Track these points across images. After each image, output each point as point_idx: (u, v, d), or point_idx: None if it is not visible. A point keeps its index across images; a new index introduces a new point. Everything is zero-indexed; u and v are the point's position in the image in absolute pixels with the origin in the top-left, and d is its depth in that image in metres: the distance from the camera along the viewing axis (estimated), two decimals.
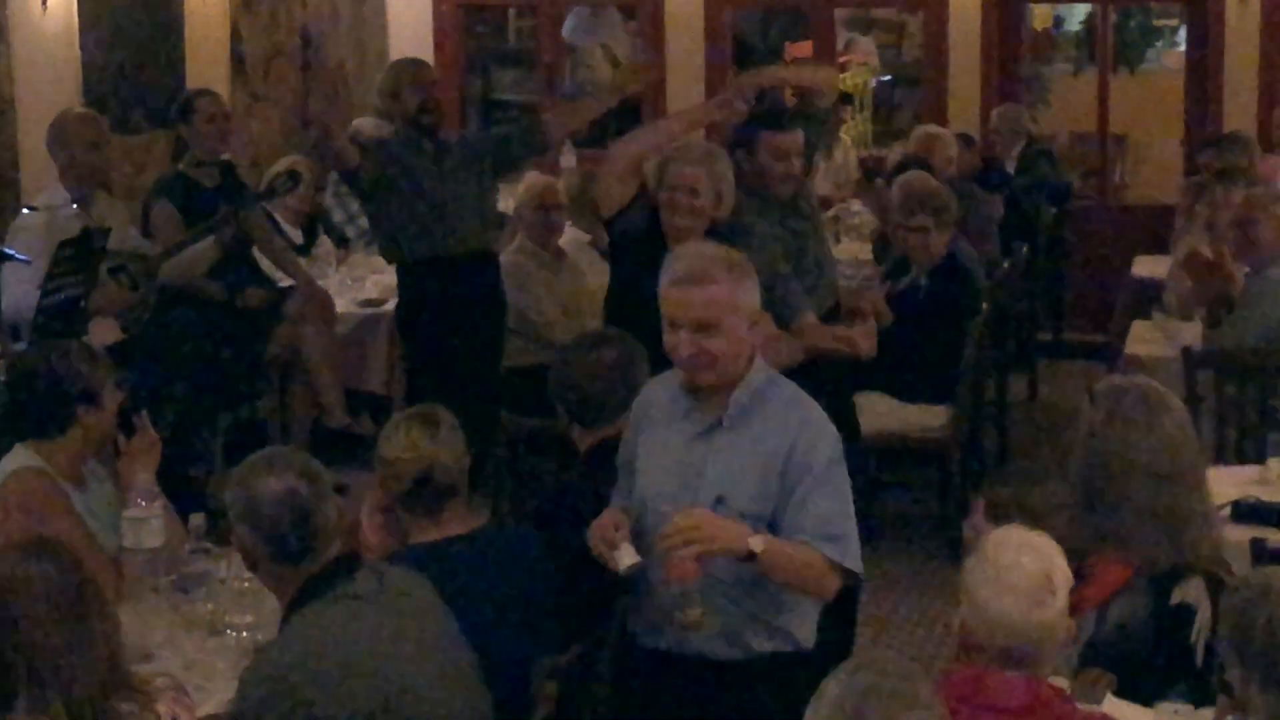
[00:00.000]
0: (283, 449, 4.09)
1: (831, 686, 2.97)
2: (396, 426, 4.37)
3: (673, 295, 4.05)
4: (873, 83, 13.68)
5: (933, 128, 10.04)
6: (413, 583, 3.95)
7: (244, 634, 4.35)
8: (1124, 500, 4.11)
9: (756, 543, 3.89)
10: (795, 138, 6.41)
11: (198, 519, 4.93)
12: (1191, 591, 4.05)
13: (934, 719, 2.95)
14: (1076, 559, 3.92)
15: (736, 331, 4.04)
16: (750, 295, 4.08)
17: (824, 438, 4.06)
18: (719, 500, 3.99)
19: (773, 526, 3.98)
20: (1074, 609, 3.63)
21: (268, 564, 3.87)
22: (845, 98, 11.33)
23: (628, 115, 10.92)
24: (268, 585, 3.99)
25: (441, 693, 3.86)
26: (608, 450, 4.73)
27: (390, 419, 4.49)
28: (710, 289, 4.01)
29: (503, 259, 7.69)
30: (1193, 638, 4.01)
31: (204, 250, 7.68)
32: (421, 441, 4.28)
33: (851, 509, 4.06)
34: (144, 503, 4.68)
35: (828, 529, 3.98)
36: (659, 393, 4.24)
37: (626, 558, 3.98)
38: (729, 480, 4.02)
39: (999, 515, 4.35)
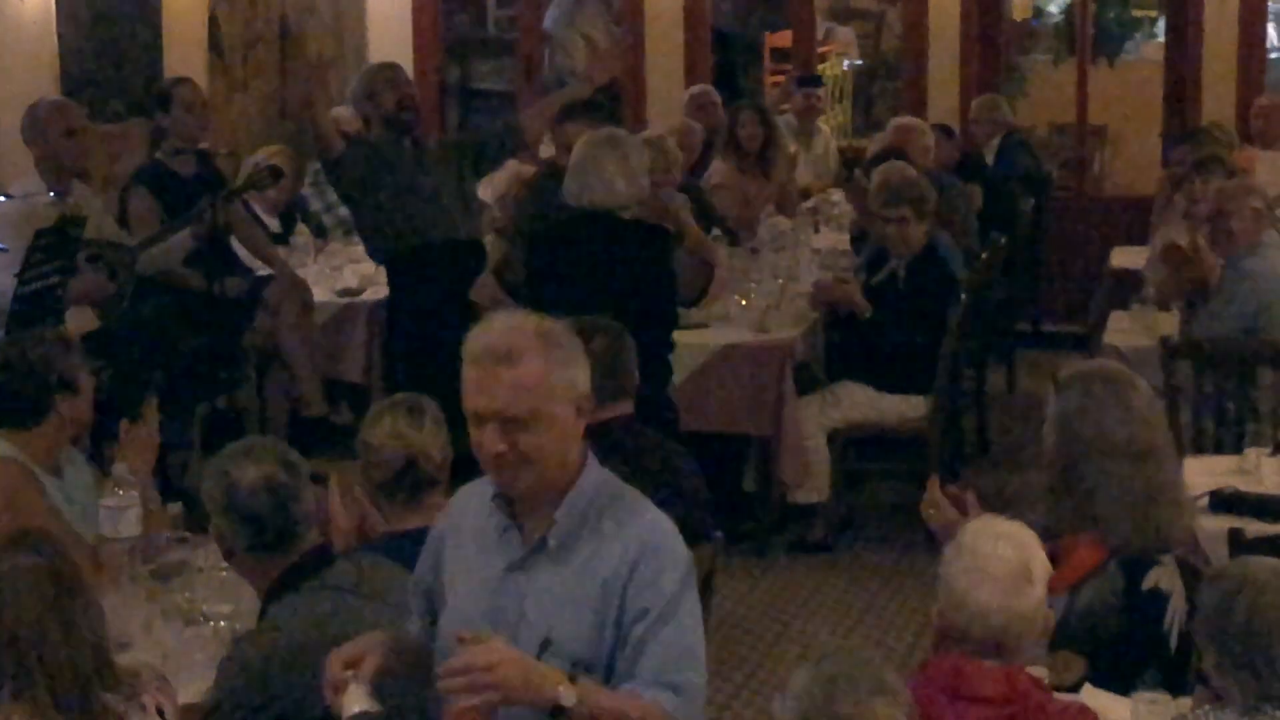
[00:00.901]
0: (261, 438, 4.09)
1: (798, 677, 2.99)
2: (381, 414, 4.36)
3: (473, 378, 3.25)
4: (844, 65, 13.69)
5: (909, 119, 10.03)
6: (390, 574, 3.94)
7: (221, 624, 4.33)
8: (1098, 483, 4.11)
9: (567, 694, 3.13)
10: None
11: (175, 508, 4.93)
12: (1165, 576, 4.05)
13: (901, 704, 2.96)
14: (1050, 539, 3.94)
15: (559, 424, 3.28)
16: (575, 374, 3.32)
17: (671, 560, 3.32)
18: (545, 645, 3.23)
19: (610, 669, 3.27)
20: (1047, 588, 3.63)
21: (245, 553, 3.86)
22: (811, 80, 11.30)
23: (609, 104, 10.93)
24: (244, 575, 3.98)
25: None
26: (592, 435, 4.73)
27: (375, 406, 4.48)
28: (521, 369, 3.24)
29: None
30: (1166, 624, 4.02)
31: (181, 240, 7.66)
32: (406, 430, 4.28)
33: (701, 648, 3.33)
34: (121, 491, 4.68)
35: (669, 675, 3.23)
36: (469, 503, 3.48)
37: (353, 703, 3.25)
38: (556, 620, 3.26)
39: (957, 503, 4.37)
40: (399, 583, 3.92)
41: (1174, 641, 4.02)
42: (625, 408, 4.87)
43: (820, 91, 11.49)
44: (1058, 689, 3.78)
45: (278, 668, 3.68)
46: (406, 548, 4.11)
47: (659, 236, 6.39)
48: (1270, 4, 11.68)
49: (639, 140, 6.74)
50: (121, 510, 4.64)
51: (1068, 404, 4.22)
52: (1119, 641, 4.00)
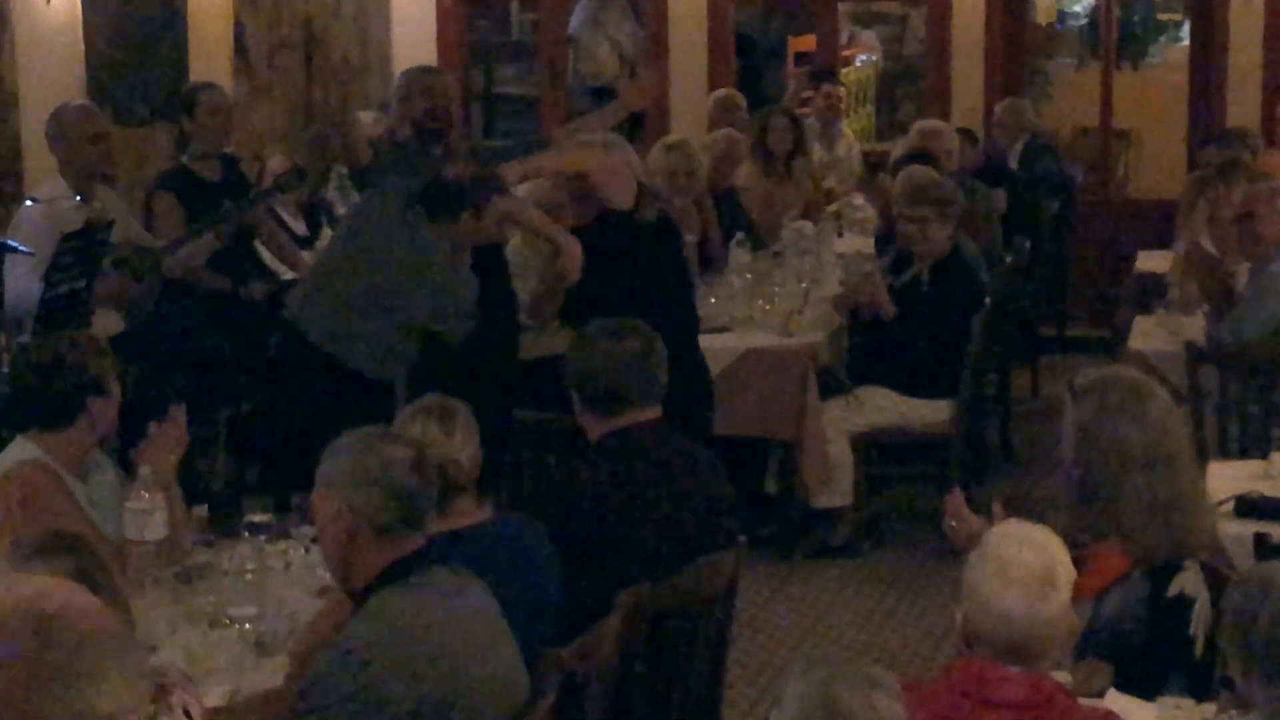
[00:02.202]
0: (385, 427, 4.09)
1: (791, 689, 2.99)
2: (413, 417, 4.37)
3: None
4: (858, 61, 13.66)
5: (934, 122, 10.04)
6: (483, 587, 3.97)
7: (246, 625, 4.34)
8: (1119, 492, 4.10)
9: None
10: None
11: (200, 512, 4.94)
12: (1190, 582, 4.04)
13: (897, 697, 2.97)
14: (1075, 548, 3.93)
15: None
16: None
17: None
18: None
19: None
20: (1072, 596, 3.63)
21: (380, 532, 3.81)
22: (825, 74, 11.30)
23: (632, 121, 10.98)
24: (353, 563, 3.88)
25: (499, 692, 3.88)
26: (619, 439, 4.76)
27: (408, 408, 4.49)
28: None
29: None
30: (1191, 629, 4.01)
31: (207, 243, 7.69)
32: (437, 437, 4.29)
33: None
34: (146, 494, 4.69)
35: None
36: None
37: None
38: None
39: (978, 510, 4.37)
40: (487, 596, 3.95)
41: (1199, 647, 4.01)
42: (653, 412, 4.86)
43: (840, 91, 11.47)
44: (1084, 695, 3.77)
45: (372, 656, 3.70)
46: (431, 553, 4.13)
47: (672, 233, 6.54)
48: None
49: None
50: (147, 513, 4.65)
51: (1084, 413, 4.21)
52: (1145, 648, 3.99)
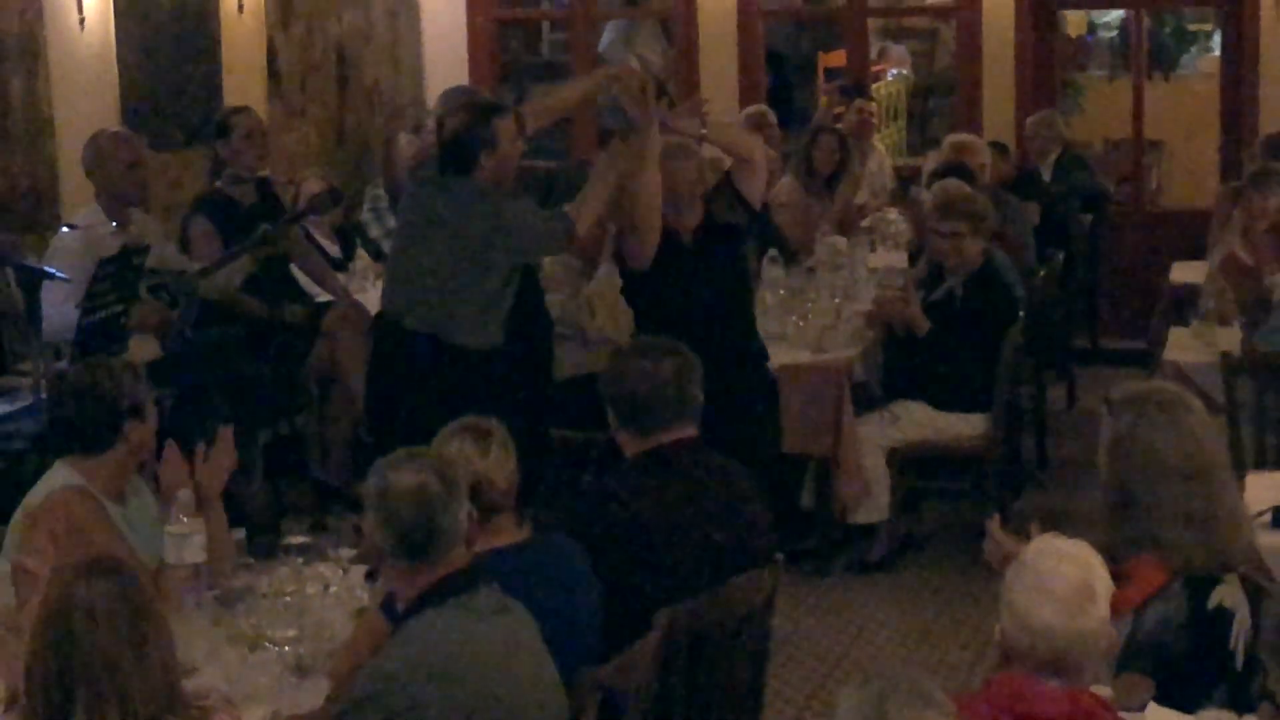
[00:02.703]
0: (425, 450, 4.12)
1: (846, 699, 3.02)
2: (450, 437, 4.39)
3: None
4: (890, 75, 13.65)
5: (965, 136, 10.02)
6: (524, 611, 3.99)
7: (286, 648, 4.36)
8: (1156, 505, 4.09)
9: None
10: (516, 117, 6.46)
11: (238, 534, 4.96)
12: (1229, 595, 4.03)
13: (950, 714, 2.99)
14: (1113, 562, 3.92)
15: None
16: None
17: None
18: None
19: None
20: (1111, 611, 3.62)
21: (391, 558, 3.91)
22: (856, 89, 11.29)
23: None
24: (390, 583, 4.02)
25: (537, 713, 3.90)
26: (655, 458, 4.77)
27: (444, 429, 4.51)
28: None
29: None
30: (1231, 642, 4.00)
31: (241, 266, 7.72)
32: (473, 456, 4.30)
33: None
34: (185, 518, 4.71)
35: None
36: None
37: None
38: None
39: (1019, 529, 4.36)
40: (529, 619, 3.98)
41: (1240, 660, 4.00)
42: (688, 430, 4.87)
43: (872, 107, 11.47)
44: (1126, 709, 3.77)
45: (411, 678, 3.72)
46: (475, 574, 4.14)
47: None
48: None
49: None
50: (186, 537, 4.67)
51: (1120, 427, 4.20)
52: (1185, 661, 3.98)
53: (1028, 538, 4.23)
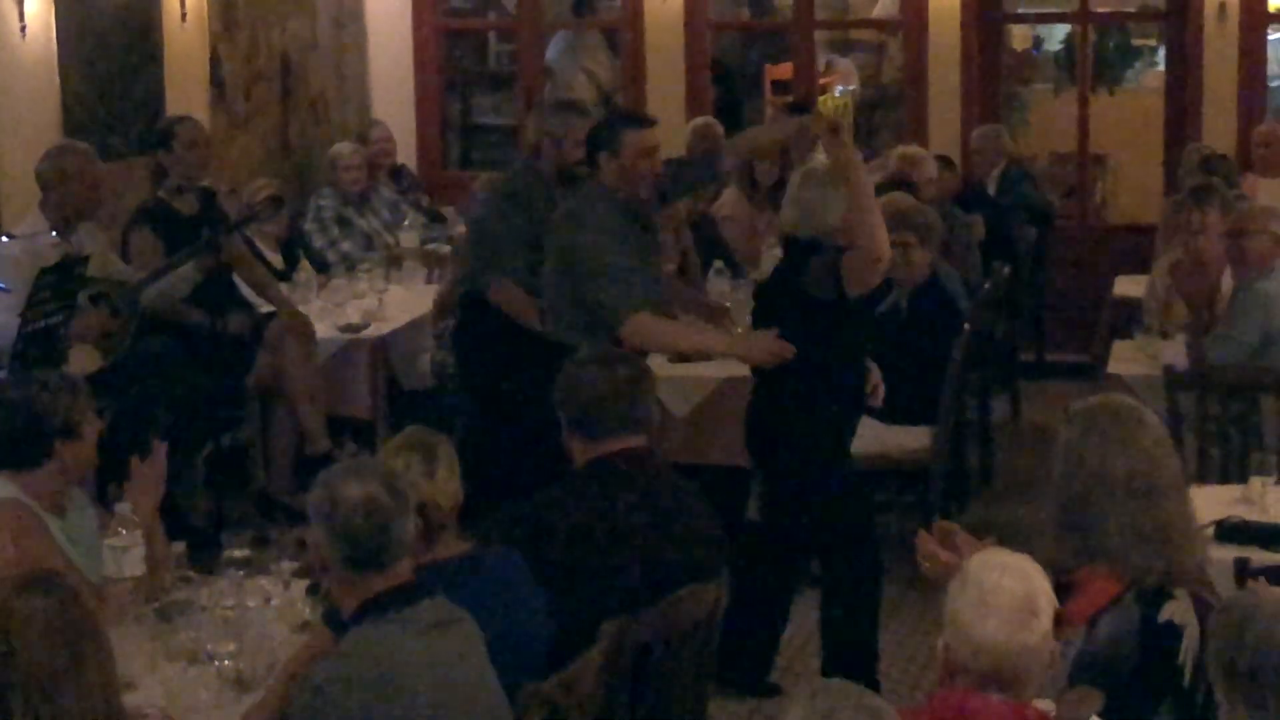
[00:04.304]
0: (372, 461, 4.09)
1: (791, 714, 3.01)
2: (396, 452, 4.37)
3: None
4: (837, 91, 13.66)
5: (912, 148, 10.04)
6: (469, 623, 3.96)
7: (226, 662, 4.33)
8: (1105, 518, 4.10)
9: None
10: (657, 133, 6.44)
11: (178, 548, 4.92)
12: (1179, 610, 4.04)
13: None
14: (1062, 573, 3.93)
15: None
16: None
17: None
18: None
19: None
20: (1061, 623, 3.62)
21: (338, 568, 3.87)
22: (801, 108, 11.28)
23: None
24: (335, 592, 3.99)
25: None
26: (602, 466, 4.76)
27: (391, 443, 4.48)
28: None
29: None
30: (1180, 657, 4.00)
31: (184, 276, 7.68)
32: (418, 480, 4.28)
33: None
34: (125, 530, 4.67)
35: None
36: None
37: None
38: None
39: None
40: (473, 631, 3.96)
41: (1188, 673, 4.00)
42: (637, 440, 4.87)
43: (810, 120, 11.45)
44: None
45: (345, 694, 3.69)
46: (418, 587, 4.11)
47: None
48: (1270, 33, 11.68)
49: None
50: (125, 550, 4.64)
51: (1072, 438, 4.21)
52: (1136, 675, 3.98)
53: (955, 548, 4.26)
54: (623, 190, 6.30)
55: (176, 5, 9.39)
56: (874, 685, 6.05)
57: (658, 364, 7.22)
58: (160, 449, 4.87)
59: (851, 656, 6.16)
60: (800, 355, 6.04)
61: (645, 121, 6.46)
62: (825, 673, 6.16)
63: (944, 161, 10.18)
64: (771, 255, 9.02)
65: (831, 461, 6.24)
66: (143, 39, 9.18)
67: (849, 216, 6.00)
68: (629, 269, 6.20)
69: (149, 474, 4.83)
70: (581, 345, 5.77)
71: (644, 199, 6.43)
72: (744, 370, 7.49)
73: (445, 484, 4.33)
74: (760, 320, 6.40)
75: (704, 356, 6.91)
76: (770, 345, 6.09)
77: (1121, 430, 4.16)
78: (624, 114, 6.47)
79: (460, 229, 9.29)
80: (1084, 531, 4.10)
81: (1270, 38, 11.98)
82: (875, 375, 6.28)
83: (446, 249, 9.53)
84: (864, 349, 6.41)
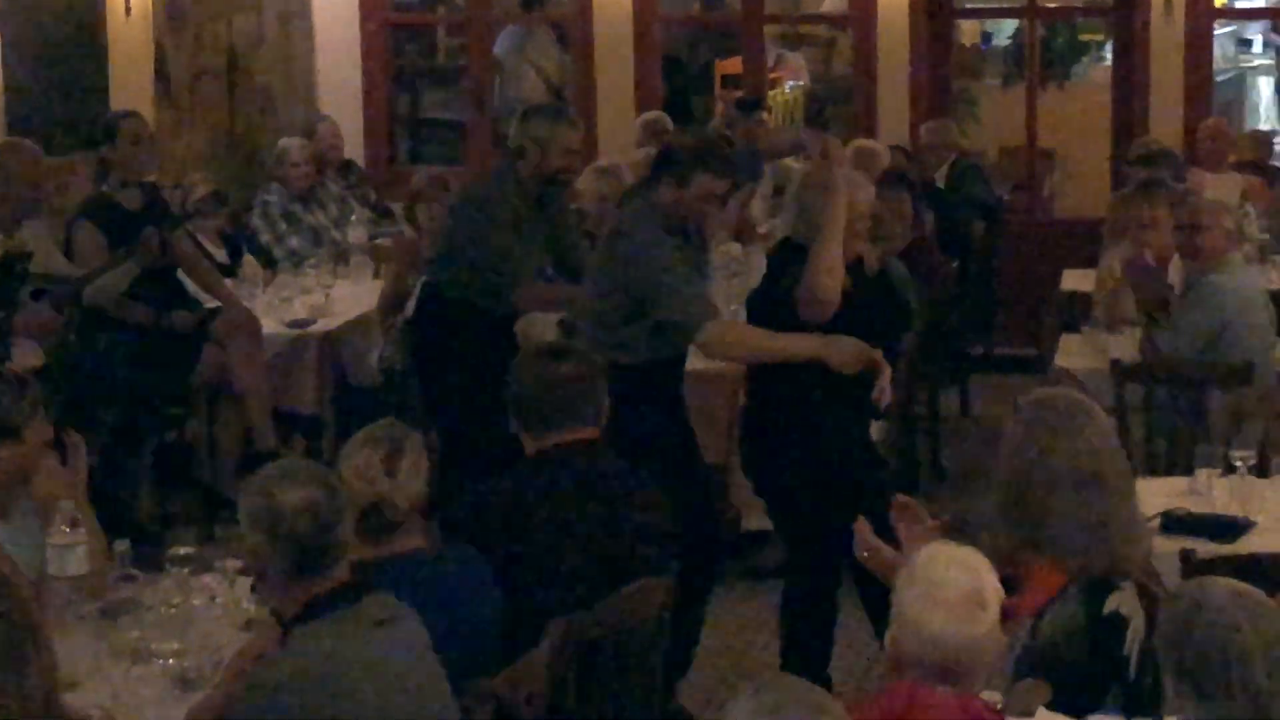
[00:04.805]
0: (304, 462, 4.04)
1: (739, 708, 3.00)
2: (361, 445, 4.35)
3: None
4: (788, 87, 13.70)
5: (867, 142, 10.04)
6: (413, 619, 3.93)
7: (170, 661, 4.30)
8: (1048, 511, 4.09)
9: None
10: (728, 184, 6.31)
11: (122, 545, 4.87)
12: (1125, 601, 4.04)
13: None
14: (1009, 565, 3.92)
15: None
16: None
17: None
18: None
19: None
20: (1008, 616, 3.62)
21: (279, 575, 3.82)
22: (751, 103, 11.28)
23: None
24: (271, 599, 3.95)
25: None
26: (547, 458, 4.74)
27: (361, 433, 4.44)
28: None
29: None
30: (1126, 647, 4.01)
31: (127, 271, 7.62)
32: (378, 476, 4.26)
33: None
34: (68, 529, 4.63)
35: None
36: None
37: None
38: None
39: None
40: (418, 626, 3.92)
41: (1134, 664, 4.01)
42: (587, 432, 4.86)
43: (764, 116, 11.47)
44: (1025, 715, 3.77)
45: (290, 694, 3.66)
46: (361, 583, 4.09)
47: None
48: (1216, 27, 11.74)
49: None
50: (69, 548, 4.59)
51: (1019, 431, 4.21)
52: (1082, 666, 3.98)
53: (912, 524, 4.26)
54: (670, 215, 6.13)
55: (121, 0, 9.33)
56: (825, 680, 6.05)
57: None
58: (78, 441, 4.79)
59: (808, 651, 6.15)
60: (797, 364, 5.96)
61: (724, 171, 6.20)
62: (783, 666, 6.14)
63: (904, 154, 10.22)
64: (720, 250, 9.03)
65: (832, 474, 6.08)
66: (87, 34, 9.12)
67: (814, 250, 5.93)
68: (689, 282, 6.08)
69: (71, 469, 4.76)
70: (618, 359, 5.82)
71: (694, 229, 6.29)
72: (704, 365, 7.50)
73: (406, 483, 4.30)
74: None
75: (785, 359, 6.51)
76: (860, 349, 5.95)
77: (1067, 424, 4.15)
78: (704, 152, 6.18)
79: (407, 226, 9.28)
80: (1029, 524, 4.10)
81: (1216, 32, 12.05)
82: (884, 378, 6.06)
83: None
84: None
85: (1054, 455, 4.11)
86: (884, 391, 6.05)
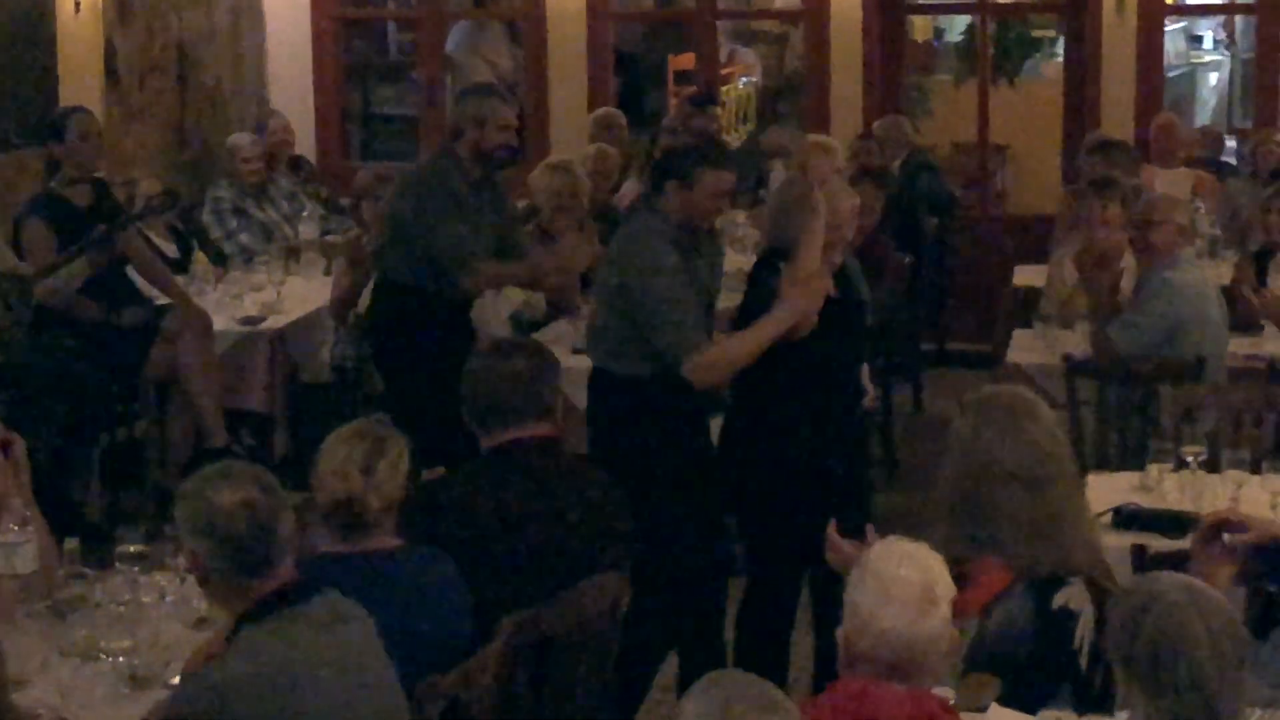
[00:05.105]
0: (239, 462, 4.01)
1: (690, 705, 3.00)
2: (343, 439, 4.34)
3: None
4: (740, 83, 13.71)
5: (823, 138, 10.04)
6: (362, 616, 3.91)
7: (120, 659, 4.28)
8: (994, 509, 4.10)
9: None
10: (733, 177, 6.13)
11: (72, 543, 4.84)
12: (1074, 596, 4.05)
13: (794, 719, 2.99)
14: (956, 563, 3.93)
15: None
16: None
17: None
18: None
19: None
20: (956, 613, 3.63)
21: (223, 577, 3.78)
22: (704, 99, 11.27)
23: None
24: (216, 600, 3.93)
25: None
26: (498, 454, 4.74)
27: (347, 426, 4.42)
28: None
29: None
30: (1075, 643, 4.02)
31: (79, 269, 7.58)
32: (354, 473, 4.24)
33: None
34: (16, 527, 4.59)
35: None
36: None
37: None
38: None
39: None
40: (367, 626, 3.90)
41: (1084, 660, 4.02)
42: (541, 428, 4.84)
43: (717, 111, 11.48)
44: (976, 710, 3.77)
45: (238, 696, 3.63)
46: (309, 582, 4.07)
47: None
48: (1167, 24, 11.80)
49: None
50: (16, 546, 4.56)
51: (964, 428, 4.21)
52: (1031, 662, 4.00)
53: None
54: (680, 220, 5.97)
55: None
56: (782, 677, 6.04)
57: (564, 356, 7.20)
58: (16, 441, 4.74)
59: (766, 649, 6.14)
60: (783, 376, 5.90)
61: (726, 163, 6.06)
62: (738, 662, 6.12)
63: (867, 140, 10.32)
64: None
65: (803, 481, 5.96)
66: (36, 29, 9.07)
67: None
68: (684, 307, 5.88)
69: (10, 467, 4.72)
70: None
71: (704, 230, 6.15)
72: None
73: (382, 483, 4.28)
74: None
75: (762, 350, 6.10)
76: (808, 294, 5.89)
77: (1012, 422, 4.16)
78: (704, 149, 6.07)
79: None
80: (976, 522, 4.11)
81: (1168, 29, 12.11)
82: (871, 392, 6.03)
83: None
84: (854, 362, 6.30)
85: (999, 454, 4.13)
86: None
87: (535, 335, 7.65)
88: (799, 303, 5.87)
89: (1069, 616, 4.04)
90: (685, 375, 5.86)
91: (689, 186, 5.91)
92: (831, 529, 4.41)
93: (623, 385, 5.99)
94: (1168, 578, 3.45)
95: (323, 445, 4.34)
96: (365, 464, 4.26)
